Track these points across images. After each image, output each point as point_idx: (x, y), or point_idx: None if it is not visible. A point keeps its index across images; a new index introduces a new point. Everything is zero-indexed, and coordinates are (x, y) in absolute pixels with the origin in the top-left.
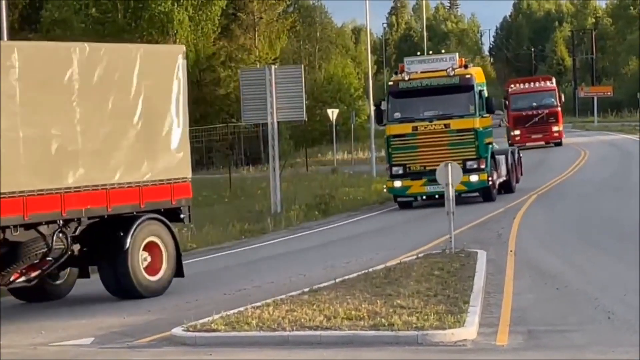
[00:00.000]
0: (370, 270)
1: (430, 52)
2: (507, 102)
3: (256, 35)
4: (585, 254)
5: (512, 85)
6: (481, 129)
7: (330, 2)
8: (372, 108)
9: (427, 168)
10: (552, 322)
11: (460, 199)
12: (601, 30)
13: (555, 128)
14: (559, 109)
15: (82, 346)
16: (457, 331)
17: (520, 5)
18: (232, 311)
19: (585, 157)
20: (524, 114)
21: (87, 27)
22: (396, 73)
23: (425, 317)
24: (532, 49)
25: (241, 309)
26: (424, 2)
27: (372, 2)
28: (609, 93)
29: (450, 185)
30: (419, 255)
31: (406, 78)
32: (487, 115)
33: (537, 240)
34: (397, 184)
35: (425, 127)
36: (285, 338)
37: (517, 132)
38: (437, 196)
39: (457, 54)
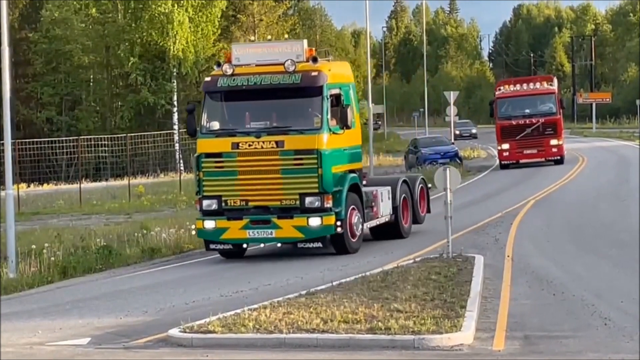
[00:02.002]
0: (368, 273)
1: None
2: (493, 107)
3: (256, 38)
4: (582, 260)
5: (501, 87)
6: (329, 150)
7: (330, 5)
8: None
9: (251, 204)
10: (548, 328)
11: (300, 252)
12: (600, 37)
13: (553, 142)
14: (559, 117)
15: (79, 346)
16: (453, 336)
17: (520, 11)
18: (229, 313)
19: (584, 164)
20: (514, 123)
21: (87, 27)
22: (219, 65)
23: (422, 321)
24: (532, 55)
25: (238, 311)
26: (423, 6)
27: (372, 6)
28: (607, 99)
29: (448, 189)
30: (416, 259)
31: (228, 72)
32: (342, 131)
33: (535, 245)
34: (209, 224)
35: (250, 145)
36: (282, 340)
37: (506, 146)
38: (262, 245)
39: (305, 40)
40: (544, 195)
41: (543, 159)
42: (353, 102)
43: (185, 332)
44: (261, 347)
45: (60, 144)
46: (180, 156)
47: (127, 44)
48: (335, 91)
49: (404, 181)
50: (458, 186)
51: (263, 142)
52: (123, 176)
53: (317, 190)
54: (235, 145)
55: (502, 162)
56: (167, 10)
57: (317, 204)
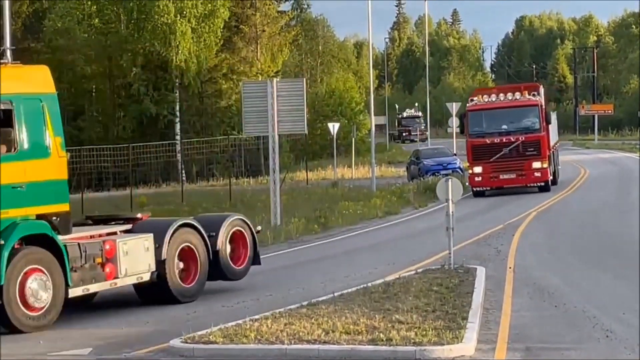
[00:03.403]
0: (369, 284)
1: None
2: (464, 122)
3: (258, 48)
4: (584, 272)
5: (474, 98)
6: None
7: (333, 16)
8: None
9: None
10: (550, 340)
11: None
12: (603, 49)
13: (536, 164)
14: (544, 134)
15: (80, 356)
16: (455, 347)
17: (522, 22)
18: (230, 323)
19: (585, 175)
20: (487, 141)
21: (89, 37)
22: None
23: (424, 332)
24: (534, 66)
25: (239, 321)
26: (426, 17)
27: (374, 17)
28: (609, 111)
29: (450, 200)
30: (418, 270)
31: None
32: (11, 161)
33: (537, 257)
34: None
35: None
36: (284, 351)
37: (478, 169)
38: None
39: None
40: (546, 207)
41: (524, 185)
42: (47, 120)
43: (187, 342)
44: (262, 357)
45: None
46: (183, 166)
47: (129, 54)
48: None
49: (184, 225)
50: (460, 197)
51: None
52: (125, 186)
53: None
54: None
55: (475, 189)
56: (169, 21)
57: None
